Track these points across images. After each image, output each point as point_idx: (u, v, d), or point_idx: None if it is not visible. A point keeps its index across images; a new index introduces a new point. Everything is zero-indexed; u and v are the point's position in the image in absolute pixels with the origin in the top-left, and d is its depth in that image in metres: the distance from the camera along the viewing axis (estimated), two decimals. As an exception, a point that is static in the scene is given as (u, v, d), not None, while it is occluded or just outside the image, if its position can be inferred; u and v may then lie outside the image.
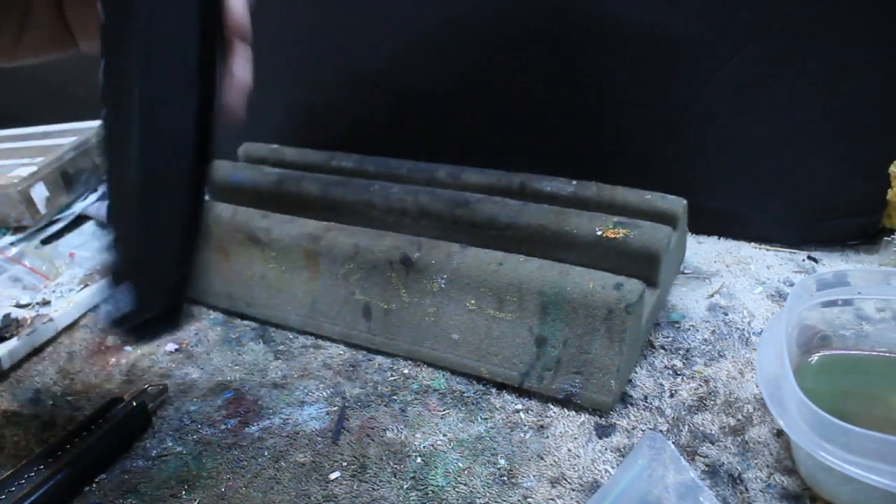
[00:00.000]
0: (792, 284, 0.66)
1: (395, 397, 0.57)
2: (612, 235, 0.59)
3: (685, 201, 0.63)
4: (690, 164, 0.71)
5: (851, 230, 0.69)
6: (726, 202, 0.72)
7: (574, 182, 0.66)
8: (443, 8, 0.73)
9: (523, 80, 0.73)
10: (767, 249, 0.71)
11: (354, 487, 0.49)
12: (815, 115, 0.65)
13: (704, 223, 0.73)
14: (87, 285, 0.72)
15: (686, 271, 0.69)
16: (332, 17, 0.79)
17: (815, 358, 0.53)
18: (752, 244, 0.72)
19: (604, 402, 0.53)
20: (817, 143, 0.66)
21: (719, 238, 0.74)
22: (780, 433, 0.50)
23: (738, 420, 0.52)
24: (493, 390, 0.57)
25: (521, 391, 0.56)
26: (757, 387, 0.54)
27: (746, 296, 0.65)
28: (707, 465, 0.49)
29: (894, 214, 0.67)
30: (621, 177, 0.66)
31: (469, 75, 0.76)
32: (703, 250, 0.72)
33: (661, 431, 0.51)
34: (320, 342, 0.63)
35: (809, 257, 0.69)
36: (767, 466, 0.48)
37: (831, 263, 0.69)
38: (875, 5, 0.59)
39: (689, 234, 0.72)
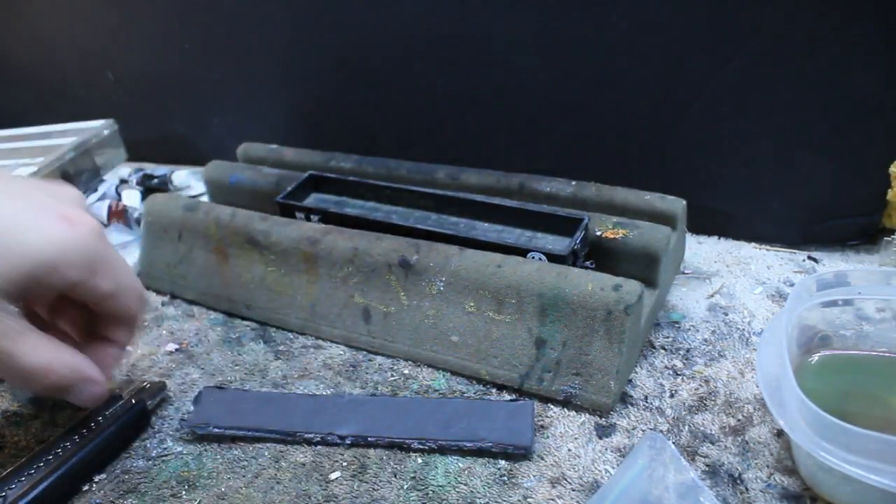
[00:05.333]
0: (792, 284, 0.66)
1: (395, 397, 0.57)
2: (612, 236, 0.59)
3: (684, 202, 0.63)
4: (690, 164, 0.71)
5: (851, 230, 0.69)
6: (726, 202, 0.72)
7: (573, 182, 0.66)
8: (442, 7, 0.73)
9: (523, 79, 0.73)
10: (767, 249, 0.71)
11: (355, 487, 0.49)
12: (815, 115, 0.65)
13: (704, 223, 0.73)
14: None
15: (686, 271, 0.69)
16: (332, 16, 0.79)
17: (815, 358, 0.53)
18: (753, 244, 0.72)
19: (603, 403, 0.53)
20: (817, 143, 0.66)
21: (719, 238, 0.74)
22: (780, 433, 0.50)
23: (739, 420, 0.52)
24: (493, 390, 0.57)
25: (521, 391, 0.56)
26: (757, 387, 0.54)
27: (746, 296, 0.65)
28: (707, 465, 0.48)
29: (894, 214, 0.67)
30: (621, 177, 0.66)
31: (469, 75, 0.76)
32: (703, 250, 0.72)
33: (661, 431, 0.51)
34: (320, 342, 0.63)
35: (809, 257, 0.69)
36: (768, 466, 0.48)
37: (831, 263, 0.69)
38: (875, 5, 0.59)
39: (689, 234, 0.72)
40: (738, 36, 0.64)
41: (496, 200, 0.64)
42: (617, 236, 0.59)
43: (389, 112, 0.83)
